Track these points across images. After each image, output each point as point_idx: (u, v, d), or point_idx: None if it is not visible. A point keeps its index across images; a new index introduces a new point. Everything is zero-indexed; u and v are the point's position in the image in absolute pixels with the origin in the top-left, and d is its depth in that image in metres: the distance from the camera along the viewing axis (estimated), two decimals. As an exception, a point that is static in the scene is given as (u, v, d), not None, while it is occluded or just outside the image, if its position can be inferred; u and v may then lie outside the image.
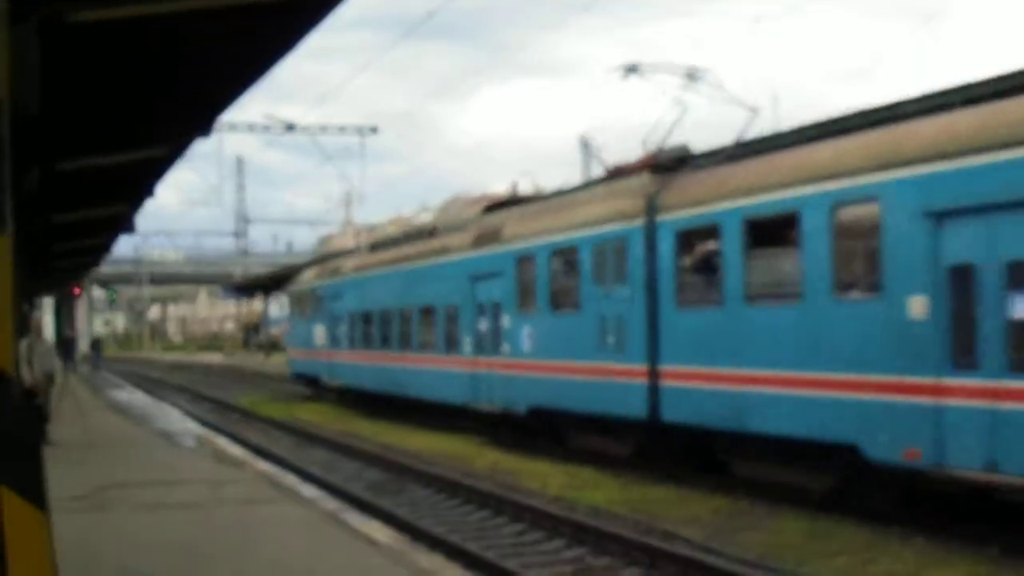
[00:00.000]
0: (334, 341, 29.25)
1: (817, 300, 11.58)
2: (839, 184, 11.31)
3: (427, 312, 22.36)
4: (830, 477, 11.84)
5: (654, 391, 14.34)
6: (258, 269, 77.19)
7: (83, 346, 64.79)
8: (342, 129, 47.46)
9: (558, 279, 17.00)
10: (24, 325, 21.52)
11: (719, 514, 12.05)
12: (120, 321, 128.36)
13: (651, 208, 14.49)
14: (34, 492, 4.46)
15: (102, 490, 11.59)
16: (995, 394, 9.60)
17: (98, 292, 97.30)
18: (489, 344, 19.17)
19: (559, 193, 19.54)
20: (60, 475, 11.18)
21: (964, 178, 9.92)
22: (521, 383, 17.90)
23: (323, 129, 46.37)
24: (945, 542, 10.12)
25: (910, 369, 10.36)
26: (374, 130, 47.93)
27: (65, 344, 49.79)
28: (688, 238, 13.85)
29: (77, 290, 63.70)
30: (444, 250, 21.41)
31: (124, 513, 10.38)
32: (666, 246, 14.17)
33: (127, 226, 21.50)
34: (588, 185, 18.68)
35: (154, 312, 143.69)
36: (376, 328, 25.87)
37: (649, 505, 12.68)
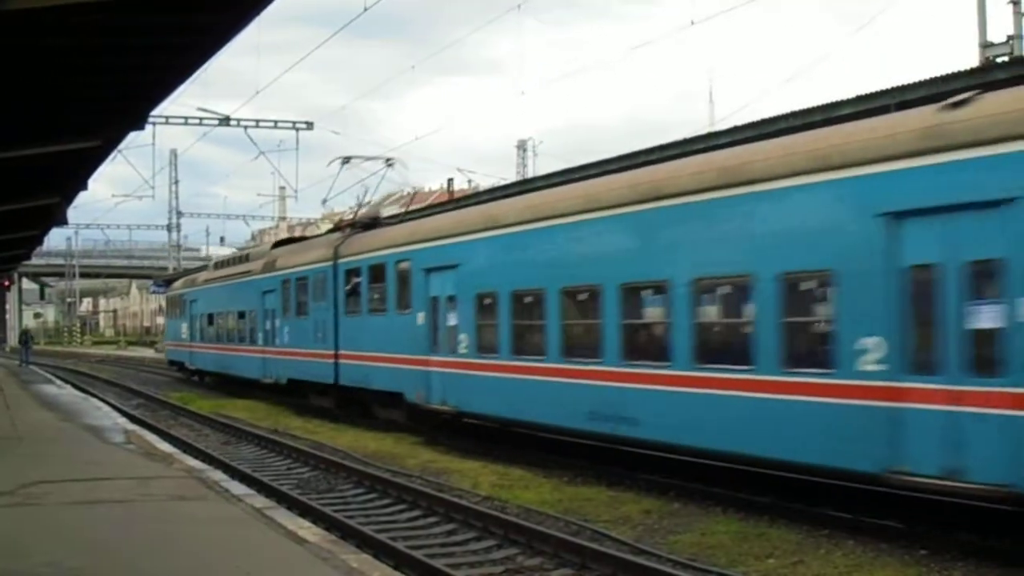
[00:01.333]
0: (192, 335, 38.53)
1: (391, 313, 20.93)
2: (398, 250, 20.67)
3: (241, 315, 31.68)
4: (402, 413, 21.10)
5: (337, 366, 23.64)
6: (190, 263, 79.84)
7: (12, 340, 68.34)
8: (276, 124, 47.25)
9: (300, 296, 26.26)
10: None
11: (650, 515, 12.23)
12: (51, 314, 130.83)
13: (336, 255, 23.77)
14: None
15: (28, 486, 11.41)
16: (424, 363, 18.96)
17: (29, 285, 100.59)
18: (270, 338, 28.50)
19: (310, 237, 28.86)
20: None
21: (437, 252, 19.29)
22: (283, 363, 27.26)
23: (258, 123, 46.36)
24: (875, 544, 10.38)
25: (417, 352, 19.70)
26: (309, 125, 47.50)
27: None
28: (349, 274, 23.13)
29: (7, 283, 68.41)
30: (249, 272, 30.64)
31: (51, 509, 10.20)
32: (341, 279, 23.48)
33: (59, 219, 22.53)
34: (321, 235, 28.09)
35: (86, 306, 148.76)
36: (215, 326, 35.16)
37: (580, 505, 12.82)
